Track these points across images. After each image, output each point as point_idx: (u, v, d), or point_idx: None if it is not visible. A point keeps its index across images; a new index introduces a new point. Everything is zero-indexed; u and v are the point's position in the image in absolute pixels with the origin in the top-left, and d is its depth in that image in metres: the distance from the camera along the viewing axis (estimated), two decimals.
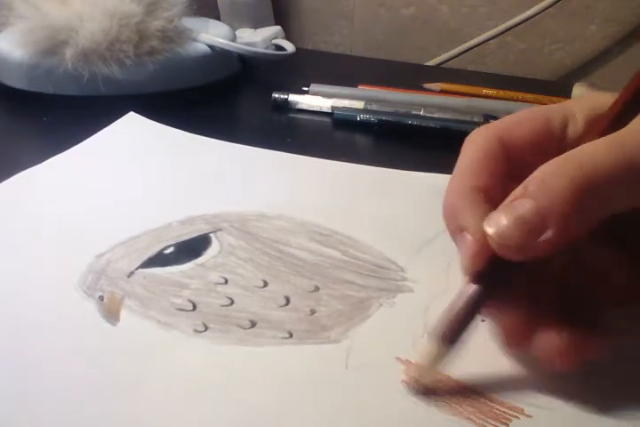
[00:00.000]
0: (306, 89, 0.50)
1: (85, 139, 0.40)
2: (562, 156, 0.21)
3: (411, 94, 0.49)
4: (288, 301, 0.27)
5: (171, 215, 0.32)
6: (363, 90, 0.50)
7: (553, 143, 0.24)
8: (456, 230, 0.23)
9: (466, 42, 0.62)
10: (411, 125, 0.43)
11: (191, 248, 0.29)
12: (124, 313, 0.25)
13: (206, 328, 0.25)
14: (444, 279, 0.28)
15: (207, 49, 0.50)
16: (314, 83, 0.50)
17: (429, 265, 0.29)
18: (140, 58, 0.46)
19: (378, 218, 0.33)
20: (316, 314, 0.26)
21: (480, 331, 0.25)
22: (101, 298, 0.26)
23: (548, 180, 0.20)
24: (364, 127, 0.45)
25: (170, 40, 0.48)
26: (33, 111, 0.46)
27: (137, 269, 0.28)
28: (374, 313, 0.26)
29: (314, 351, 0.24)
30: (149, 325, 0.25)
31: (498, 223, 0.20)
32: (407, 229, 0.32)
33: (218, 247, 0.30)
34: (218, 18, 0.63)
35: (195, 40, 0.50)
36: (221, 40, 0.50)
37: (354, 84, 0.51)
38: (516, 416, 0.22)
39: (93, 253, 0.29)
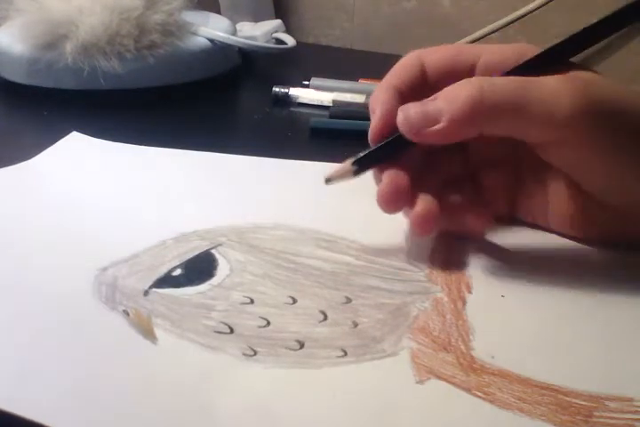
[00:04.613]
0: (306, 83, 0.50)
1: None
2: (470, 78, 0.28)
3: None
4: (325, 315, 0.26)
5: (162, 233, 0.30)
6: (363, 84, 0.50)
7: (464, 75, 0.29)
8: (372, 111, 0.30)
9: (467, 36, 0.62)
10: None
11: (200, 268, 0.28)
12: (157, 332, 0.24)
13: (255, 352, 0.24)
14: (463, 272, 0.28)
15: (207, 43, 0.50)
16: (314, 77, 0.50)
17: (443, 261, 0.29)
18: (140, 52, 0.46)
19: (375, 218, 0.32)
20: (359, 326, 0.25)
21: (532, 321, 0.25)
22: (126, 313, 0.25)
23: (453, 89, 0.28)
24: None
25: (170, 34, 0.48)
26: (33, 105, 0.46)
27: (150, 288, 0.27)
28: (418, 318, 0.26)
29: (376, 369, 0.23)
30: (193, 347, 0.24)
31: (408, 110, 0.28)
32: (405, 227, 0.31)
33: (227, 265, 0.28)
34: (218, 11, 0.63)
35: (195, 34, 0.50)
36: (222, 34, 0.50)
37: (354, 78, 0.51)
38: (597, 407, 0.21)
39: (94, 267, 0.28)
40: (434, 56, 0.31)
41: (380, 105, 0.30)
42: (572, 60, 0.29)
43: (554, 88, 0.27)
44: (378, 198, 0.29)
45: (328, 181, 0.30)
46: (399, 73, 0.31)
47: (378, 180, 0.30)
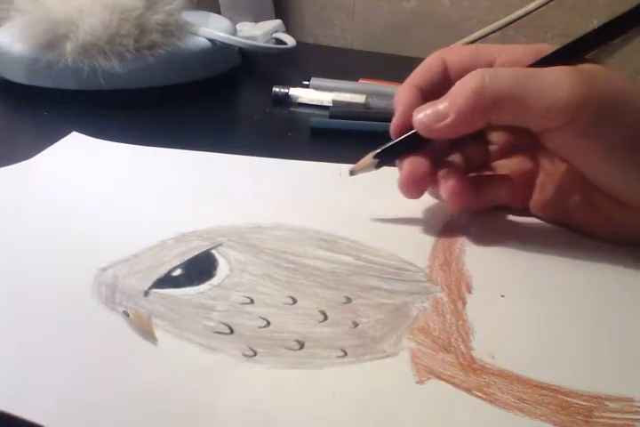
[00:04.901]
0: (306, 83, 0.50)
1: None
2: (475, 70, 0.28)
3: None
4: (325, 316, 0.26)
5: (162, 233, 0.30)
6: (363, 84, 0.50)
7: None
8: (395, 108, 0.32)
9: (467, 36, 0.62)
10: None
11: (200, 268, 0.28)
12: (157, 333, 0.24)
13: (255, 353, 0.24)
14: (463, 272, 0.28)
15: (207, 43, 0.50)
16: (314, 77, 0.50)
17: (443, 261, 0.29)
18: (140, 52, 0.46)
19: (375, 218, 0.32)
20: (359, 326, 0.25)
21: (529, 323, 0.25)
22: (126, 314, 0.25)
23: (459, 84, 0.28)
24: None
25: (170, 34, 0.48)
26: (33, 105, 0.46)
27: (150, 288, 0.27)
28: (418, 318, 0.26)
29: (376, 369, 0.23)
30: (192, 347, 0.24)
31: (422, 111, 0.29)
32: (405, 227, 0.32)
33: (227, 265, 0.28)
34: (218, 11, 0.63)
35: (195, 34, 0.50)
36: (222, 34, 0.50)
37: (355, 78, 0.51)
38: (597, 407, 0.21)
39: (94, 267, 0.28)
40: (454, 55, 0.32)
41: (401, 103, 0.32)
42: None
43: (555, 78, 0.27)
44: (399, 185, 0.31)
45: (352, 173, 0.32)
46: (421, 72, 0.33)
47: (401, 169, 0.31)
